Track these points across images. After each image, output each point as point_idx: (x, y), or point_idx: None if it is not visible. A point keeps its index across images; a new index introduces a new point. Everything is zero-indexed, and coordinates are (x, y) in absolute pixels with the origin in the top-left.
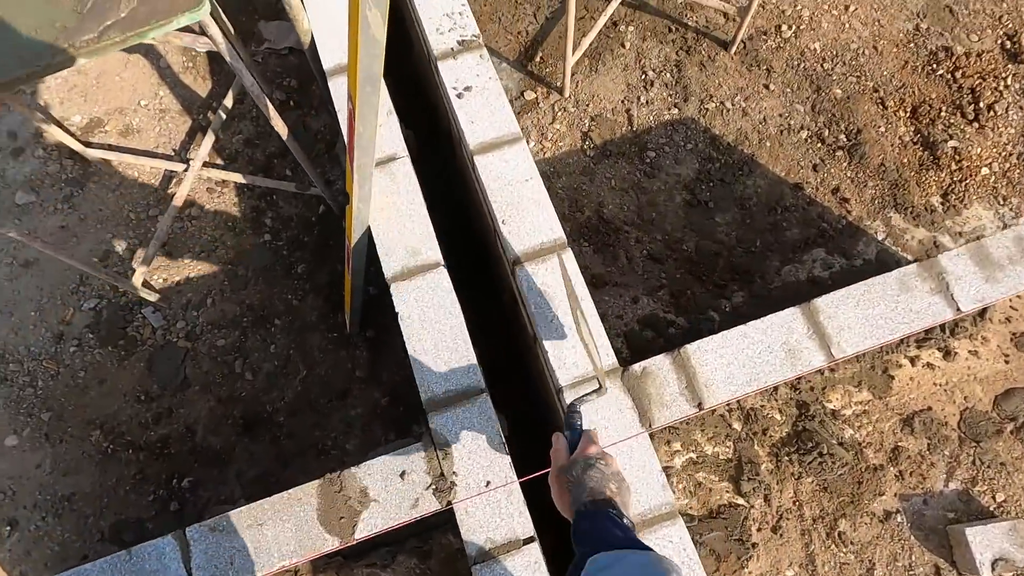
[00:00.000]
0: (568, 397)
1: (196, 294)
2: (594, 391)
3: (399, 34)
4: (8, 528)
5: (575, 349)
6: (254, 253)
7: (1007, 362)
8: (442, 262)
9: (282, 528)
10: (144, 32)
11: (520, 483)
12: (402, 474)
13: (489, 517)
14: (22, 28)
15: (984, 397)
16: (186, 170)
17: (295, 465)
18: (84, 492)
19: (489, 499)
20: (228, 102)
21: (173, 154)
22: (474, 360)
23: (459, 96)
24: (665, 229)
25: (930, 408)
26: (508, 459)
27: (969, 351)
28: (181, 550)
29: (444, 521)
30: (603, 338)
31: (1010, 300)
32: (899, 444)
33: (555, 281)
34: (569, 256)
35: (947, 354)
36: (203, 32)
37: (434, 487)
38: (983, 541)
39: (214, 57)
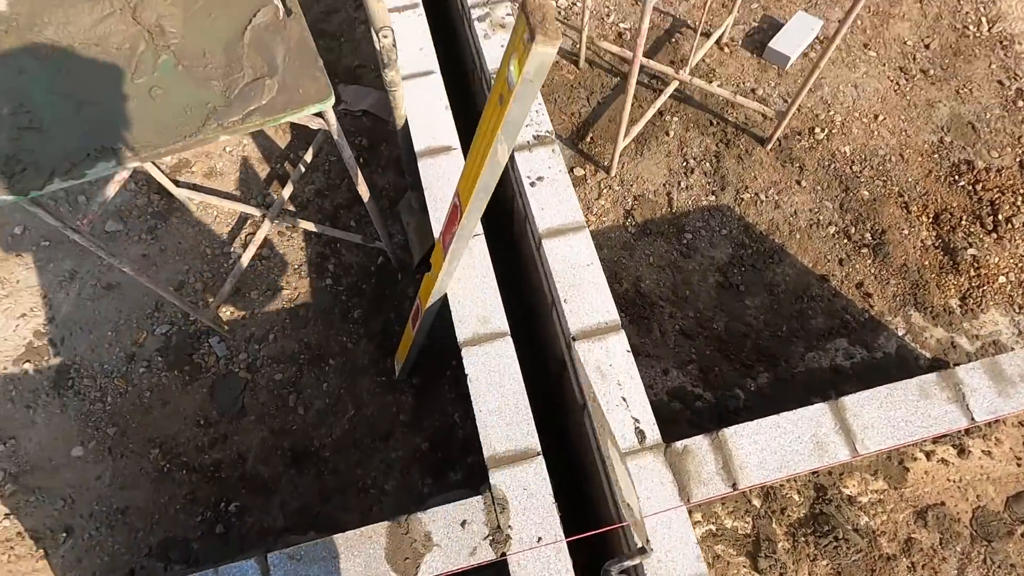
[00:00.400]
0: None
1: (259, 329)
2: (639, 553)
3: (474, 119)
4: (64, 535)
5: (623, 424)
6: (316, 296)
7: (1019, 465)
8: (508, 332)
9: (353, 563)
10: (279, 117)
11: (567, 542)
12: (463, 523)
13: (539, 571)
14: (179, 106)
15: (996, 497)
16: (264, 215)
17: (336, 501)
18: (137, 507)
19: (540, 554)
20: (308, 157)
21: (251, 197)
22: (532, 423)
23: (532, 184)
24: (697, 307)
25: (943, 503)
26: (558, 518)
27: (983, 451)
28: (262, 573)
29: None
30: (648, 413)
31: None
32: (912, 536)
33: (607, 358)
34: (621, 337)
35: (961, 451)
36: (320, 115)
37: (491, 538)
38: None
39: None
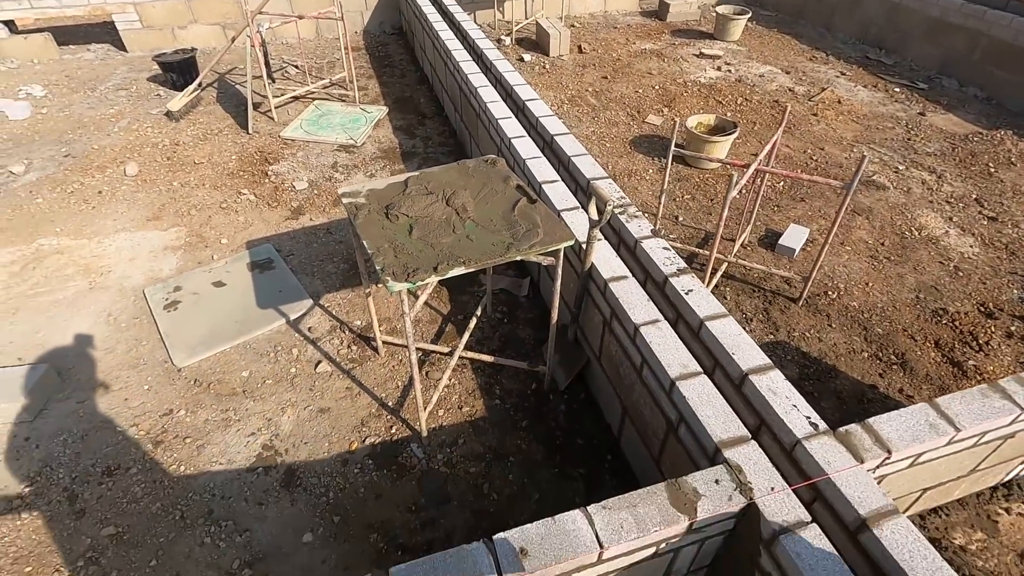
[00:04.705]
0: None
1: (449, 436)
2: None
3: None
4: None
5: (799, 420)
6: (490, 412)
7: None
8: (702, 371)
9: (649, 509)
10: (548, 247)
11: (792, 488)
12: (716, 481)
13: (779, 508)
14: (488, 244)
15: None
16: (451, 352)
17: None
18: None
19: (775, 497)
20: (478, 312)
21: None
22: (736, 418)
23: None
24: None
25: None
26: (779, 475)
27: None
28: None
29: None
30: (813, 413)
31: None
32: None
33: (773, 384)
34: (777, 372)
35: None
36: (553, 255)
37: (739, 490)
38: None
39: (453, 291)
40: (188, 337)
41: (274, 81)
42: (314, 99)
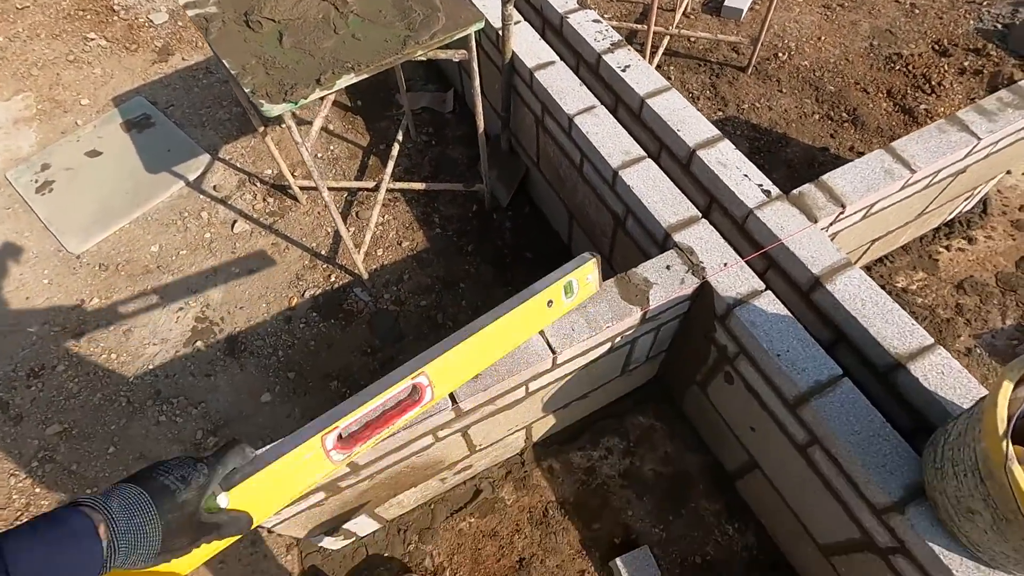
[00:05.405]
0: None
1: (393, 274)
2: None
3: None
4: None
5: (752, 191)
6: (432, 242)
7: (1014, 239)
8: (646, 155)
9: (601, 307)
10: (454, 34)
11: (745, 260)
12: (667, 267)
13: (732, 282)
14: (379, 41)
15: (1007, 263)
16: (376, 187)
17: None
18: None
19: (728, 272)
20: (400, 137)
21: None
22: (684, 199)
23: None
24: None
25: (972, 276)
26: (732, 250)
27: (984, 236)
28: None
29: (635, 404)
30: (766, 180)
31: (1003, 197)
32: (959, 302)
33: (723, 157)
34: (727, 143)
35: (970, 240)
36: (464, 47)
37: (691, 271)
38: None
39: (368, 118)
40: (76, 220)
41: None
42: None
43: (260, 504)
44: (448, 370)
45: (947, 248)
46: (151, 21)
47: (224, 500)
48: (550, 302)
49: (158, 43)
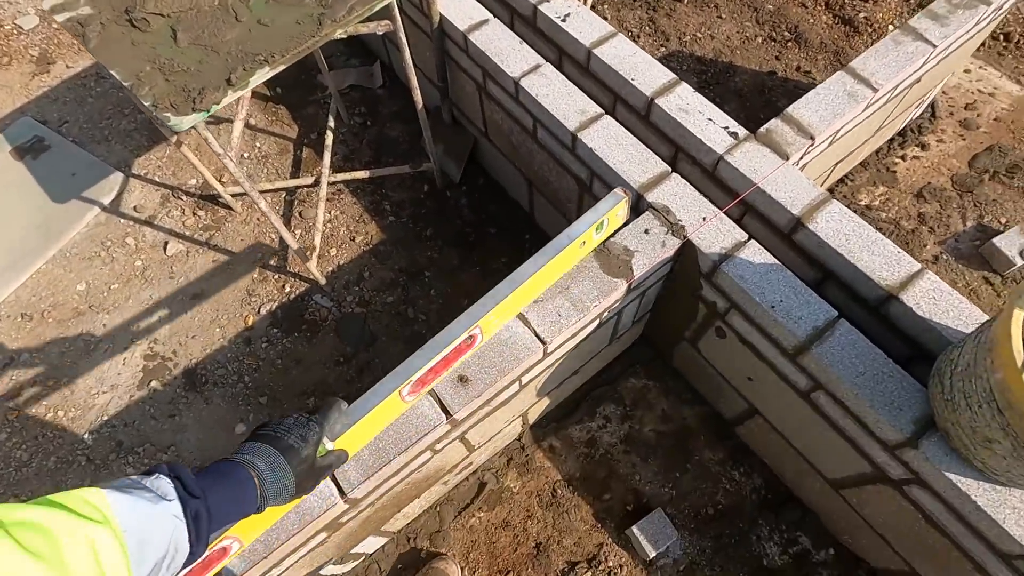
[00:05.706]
0: None
1: (351, 274)
2: None
3: None
4: None
5: (718, 135)
6: (387, 232)
7: (964, 139)
8: (604, 112)
9: (585, 284)
10: (373, 5)
11: (723, 211)
12: (646, 231)
13: (714, 237)
14: (291, 23)
15: (960, 164)
16: (316, 182)
17: None
18: None
19: (709, 226)
20: (331, 123)
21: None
22: (651, 154)
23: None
24: None
25: (929, 182)
26: (708, 201)
27: (936, 140)
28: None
29: (625, 368)
30: (731, 122)
31: (948, 98)
32: (921, 210)
33: (683, 102)
34: (685, 87)
35: (923, 147)
36: (387, 17)
37: (670, 232)
38: (1007, 244)
39: (293, 105)
40: None
41: None
42: None
43: (353, 443)
44: (496, 317)
45: (903, 158)
46: (19, 27)
47: (330, 445)
48: (583, 242)
49: (34, 52)
